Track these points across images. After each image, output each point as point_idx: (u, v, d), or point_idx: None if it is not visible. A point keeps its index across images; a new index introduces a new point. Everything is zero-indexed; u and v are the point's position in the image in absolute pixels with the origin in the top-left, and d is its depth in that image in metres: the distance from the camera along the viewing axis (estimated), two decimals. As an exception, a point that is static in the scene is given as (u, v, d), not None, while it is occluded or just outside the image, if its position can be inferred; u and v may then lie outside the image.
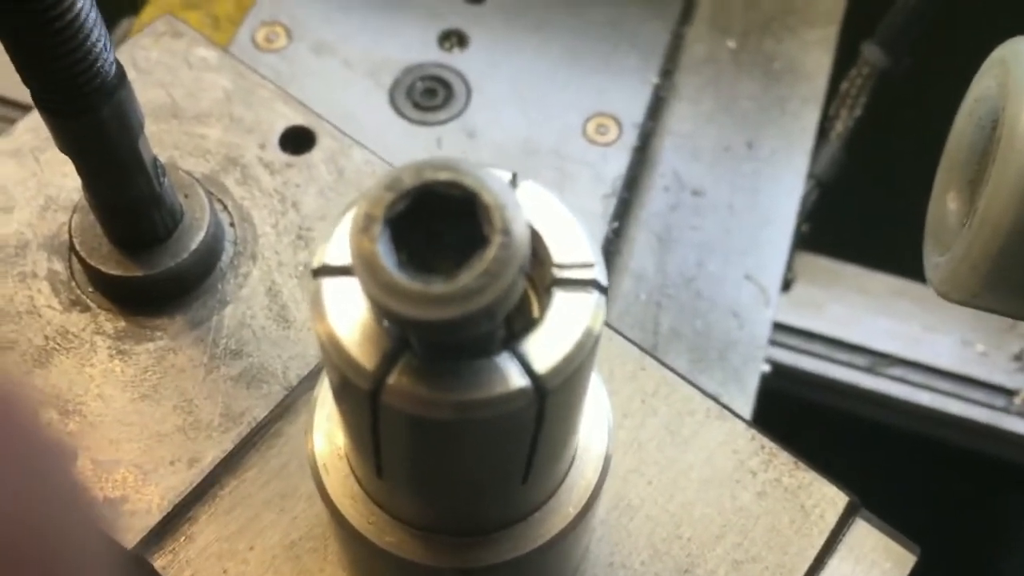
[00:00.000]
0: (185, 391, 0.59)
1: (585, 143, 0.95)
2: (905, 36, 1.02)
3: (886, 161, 1.15)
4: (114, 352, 0.60)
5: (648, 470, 0.59)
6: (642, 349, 0.63)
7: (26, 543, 0.24)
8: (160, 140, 0.67)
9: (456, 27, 1.01)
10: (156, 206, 0.58)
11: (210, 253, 0.62)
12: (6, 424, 0.25)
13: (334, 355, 0.35)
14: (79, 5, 0.46)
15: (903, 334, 1.10)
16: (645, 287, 0.90)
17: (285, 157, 0.67)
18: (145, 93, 0.68)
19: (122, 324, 0.61)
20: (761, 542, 0.57)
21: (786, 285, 1.03)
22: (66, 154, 0.53)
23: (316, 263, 0.37)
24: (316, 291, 0.36)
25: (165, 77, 0.70)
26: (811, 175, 1.02)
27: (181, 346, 0.60)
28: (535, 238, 0.37)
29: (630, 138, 0.95)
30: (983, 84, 0.55)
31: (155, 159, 0.57)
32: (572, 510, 0.46)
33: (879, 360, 1.09)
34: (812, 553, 0.57)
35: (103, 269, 0.59)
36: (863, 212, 1.21)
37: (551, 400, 0.36)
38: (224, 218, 0.64)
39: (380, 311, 0.33)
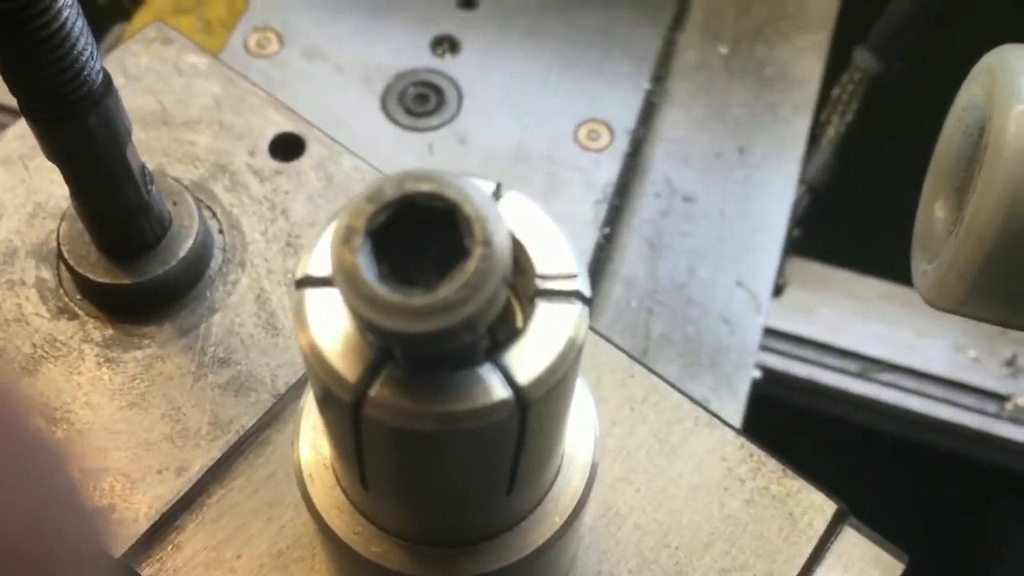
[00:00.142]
0: (173, 399, 0.59)
1: (577, 149, 0.95)
2: (897, 42, 1.02)
3: (878, 166, 1.15)
4: (102, 360, 0.60)
5: (637, 478, 0.59)
6: (631, 356, 0.63)
7: (23, 544, 0.24)
8: (149, 147, 0.67)
9: (448, 33, 1.01)
10: (144, 214, 0.58)
11: (199, 261, 0.62)
12: (1, 426, 0.25)
13: (316, 366, 0.35)
14: (65, 14, 0.46)
15: (894, 339, 1.10)
16: (636, 293, 0.90)
17: (274, 164, 0.67)
18: (135, 99, 0.68)
19: (110, 332, 0.61)
20: (749, 550, 0.57)
21: (777, 290, 1.03)
22: (53, 162, 0.53)
23: (299, 274, 0.37)
24: (299, 302, 0.36)
25: (155, 84, 0.69)
26: (802, 181, 1.02)
27: (169, 354, 0.60)
28: (519, 249, 0.37)
29: (622, 144, 0.95)
30: (970, 92, 0.55)
31: (143, 167, 0.57)
32: (559, 519, 0.46)
33: (870, 365, 1.09)
34: (800, 561, 0.57)
35: (91, 277, 0.59)
36: (855, 217, 1.21)
37: (533, 411, 0.35)
38: (213, 225, 0.64)
39: (361, 323, 0.33)
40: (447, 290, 0.31)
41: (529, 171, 0.94)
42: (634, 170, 0.96)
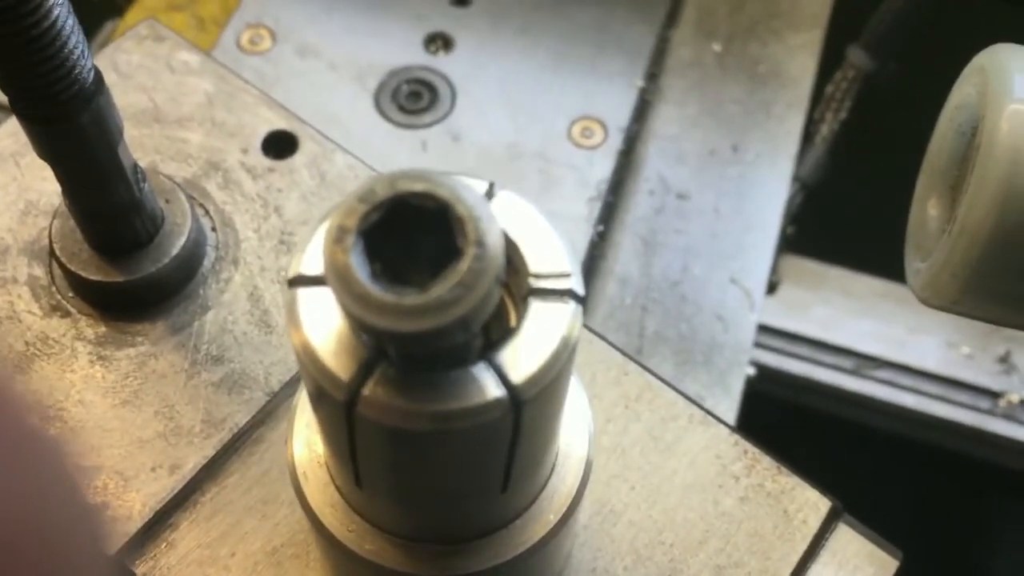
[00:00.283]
0: (166, 397, 0.59)
1: (570, 146, 0.95)
2: (890, 40, 1.02)
3: (871, 164, 1.15)
4: (95, 358, 0.60)
5: (631, 475, 0.59)
6: (625, 354, 0.63)
7: (22, 538, 0.24)
8: (141, 144, 0.67)
9: (441, 30, 1.01)
10: (136, 211, 0.58)
11: (191, 258, 0.61)
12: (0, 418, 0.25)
13: (310, 366, 0.35)
14: (55, 13, 0.45)
15: (888, 336, 1.10)
16: (630, 291, 0.90)
17: (267, 162, 0.67)
18: (127, 97, 0.68)
19: (103, 329, 0.60)
20: (744, 547, 0.57)
21: (771, 288, 1.03)
22: (45, 160, 0.53)
23: (291, 273, 0.37)
24: (291, 301, 0.36)
25: (147, 81, 0.69)
26: (796, 178, 1.02)
27: (162, 351, 0.60)
28: (512, 248, 0.37)
29: (615, 141, 0.95)
30: (963, 91, 0.55)
31: (135, 164, 0.56)
32: (553, 517, 0.46)
33: (864, 362, 1.09)
34: (795, 558, 0.57)
35: (83, 274, 0.59)
36: (848, 215, 1.21)
37: (527, 410, 0.35)
38: (206, 223, 0.64)
39: (354, 322, 0.33)
40: (440, 290, 0.31)
41: (523, 168, 0.93)
42: (628, 167, 0.96)
